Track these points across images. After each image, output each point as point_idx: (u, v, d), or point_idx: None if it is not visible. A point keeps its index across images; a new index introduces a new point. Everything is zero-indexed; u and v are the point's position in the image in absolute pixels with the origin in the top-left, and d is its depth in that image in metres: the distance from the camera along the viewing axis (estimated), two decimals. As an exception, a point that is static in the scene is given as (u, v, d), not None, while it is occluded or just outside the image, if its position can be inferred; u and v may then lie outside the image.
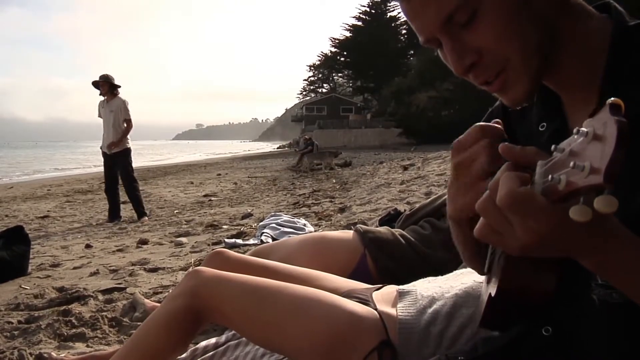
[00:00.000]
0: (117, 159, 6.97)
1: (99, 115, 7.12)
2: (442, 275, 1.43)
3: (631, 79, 0.71)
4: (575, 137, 0.51)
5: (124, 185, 7.03)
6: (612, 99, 0.49)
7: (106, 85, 6.90)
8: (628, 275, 0.60)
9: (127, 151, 7.02)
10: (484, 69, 0.75)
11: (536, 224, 0.55)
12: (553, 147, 0.55)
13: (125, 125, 6.95)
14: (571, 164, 0.50)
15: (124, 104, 6.99)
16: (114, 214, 6.96)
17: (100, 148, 7.11)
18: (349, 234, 2.27)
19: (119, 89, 7.04)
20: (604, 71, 0.75)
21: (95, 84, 6.96)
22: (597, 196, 0.48)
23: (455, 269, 1.50)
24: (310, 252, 2.12)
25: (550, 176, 0.53)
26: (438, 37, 0.76)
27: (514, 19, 0.72)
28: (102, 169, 7.39)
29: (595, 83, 0.75)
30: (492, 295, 0.71)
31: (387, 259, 2.12)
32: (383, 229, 2.29)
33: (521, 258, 0.62)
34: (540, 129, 0.84)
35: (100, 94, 7.00)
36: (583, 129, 0.50)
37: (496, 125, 0.76)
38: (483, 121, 1.00)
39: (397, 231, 2.26)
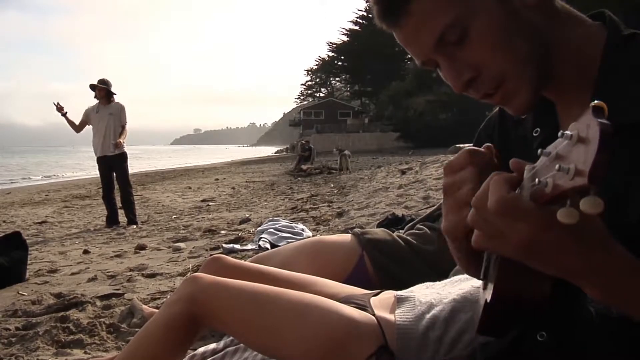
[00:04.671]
0: (115, 163, 6.97)
1: (86, 121, 7.08)
2: (439, 276, 1.44)
3: (623, 87, 0.72)
4: (561, 140, 0.52)
5: (119, 190, 7.03)
6: (596, 101, 0.50)
7: (103, 91, 6.91)
8: (619, 291, 0.61)
9: (125, 155, 7.02)
10: (482, 83, 0.77)
11: (526, 227, 0.56)
12: (540, 151, 0.56)
13: (120, 130, 6.95)
14: (557, 167, 0.50)
15: (123, 109, 7.01)
16: (112, 220, 6.96)
17: (95, 154, 7.08)
18: (346, 237, 2.28)
19: (114, 97, 7.04)
20: (596, 78, 0.75)
21: (93, 87, 6.95)
22: (582, 198, 0.48)
23: (449, 261, 1.51)
24: (308, 255, 2.12)
25: (537, 180, 0.54)
26: (434, 58, 0.79)
27: (503, 32, 0.74)
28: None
29: (588, 90, 0.75)
30: (488, 300, 0.71)
31: (385, 260, 2.12)
32: (380, 231, 2.30)
33: (516, 262, 0.62)
34: (534, 134, 0.85)
35: (95, 97, 6.99)
36: (568, 132, 0.51)
37: (486, 150, 0.76)
38: (482, 128, 1.02)
39: (394, 233, 2.27)
